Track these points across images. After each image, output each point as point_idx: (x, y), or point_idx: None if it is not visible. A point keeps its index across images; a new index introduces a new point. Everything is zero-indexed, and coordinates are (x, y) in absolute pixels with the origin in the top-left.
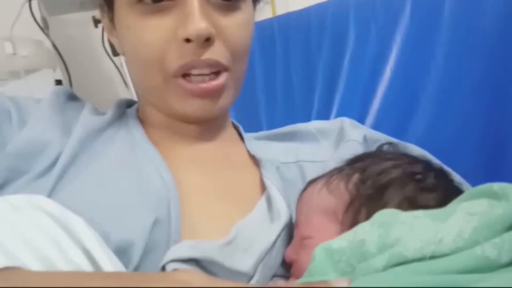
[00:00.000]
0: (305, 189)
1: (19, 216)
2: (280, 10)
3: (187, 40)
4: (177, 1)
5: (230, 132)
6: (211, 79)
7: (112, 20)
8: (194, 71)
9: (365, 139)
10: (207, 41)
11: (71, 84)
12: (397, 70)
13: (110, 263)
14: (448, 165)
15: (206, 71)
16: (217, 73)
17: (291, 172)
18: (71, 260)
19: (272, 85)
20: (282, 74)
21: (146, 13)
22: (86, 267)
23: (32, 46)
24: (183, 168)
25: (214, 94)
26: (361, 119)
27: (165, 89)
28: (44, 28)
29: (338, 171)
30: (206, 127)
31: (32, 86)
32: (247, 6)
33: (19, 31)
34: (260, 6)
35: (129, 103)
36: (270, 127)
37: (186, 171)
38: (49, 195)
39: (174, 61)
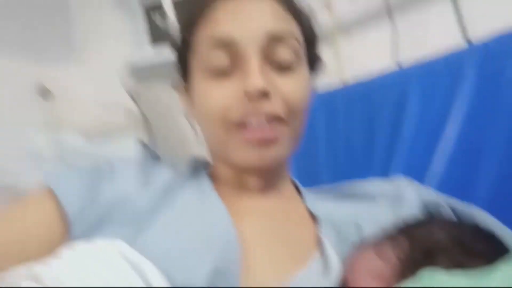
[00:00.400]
0: (355, 251)
1: (102, 257)
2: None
3: (248, 96)
4: (240, 64)
5: (289, 187)
6: (267, 128)
7: (186, 89)
8: (253, 120)
9: (422, 200)
10: (265, 96)
11: (154, 144)
12: (460, 132)
13: None
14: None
15: (264, 121)
16: (274, 124)
17: (348, 231)
18: None
19: (333, 141)
20: (343, 131)
21: (214, 78)
22: None
23: (121, 111)
24: (245, 220)
25: (269, 143)
26: (421, 179)
27: (226, 139)
28: (132, 94)
29: (387, 235)
30: (267, 181)
31: (120, 146)
32: (301, 70)
33: (110, 96)
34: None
35: (203, 162)
36: (330, 182)
37: (248, 223)
38: (128, 241)
39: (237, 114)
